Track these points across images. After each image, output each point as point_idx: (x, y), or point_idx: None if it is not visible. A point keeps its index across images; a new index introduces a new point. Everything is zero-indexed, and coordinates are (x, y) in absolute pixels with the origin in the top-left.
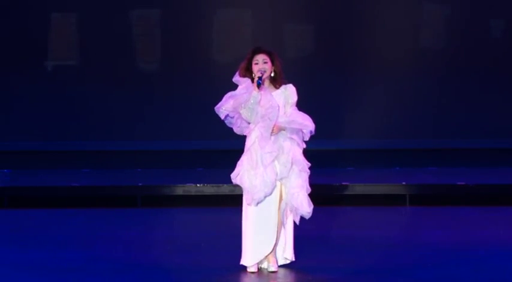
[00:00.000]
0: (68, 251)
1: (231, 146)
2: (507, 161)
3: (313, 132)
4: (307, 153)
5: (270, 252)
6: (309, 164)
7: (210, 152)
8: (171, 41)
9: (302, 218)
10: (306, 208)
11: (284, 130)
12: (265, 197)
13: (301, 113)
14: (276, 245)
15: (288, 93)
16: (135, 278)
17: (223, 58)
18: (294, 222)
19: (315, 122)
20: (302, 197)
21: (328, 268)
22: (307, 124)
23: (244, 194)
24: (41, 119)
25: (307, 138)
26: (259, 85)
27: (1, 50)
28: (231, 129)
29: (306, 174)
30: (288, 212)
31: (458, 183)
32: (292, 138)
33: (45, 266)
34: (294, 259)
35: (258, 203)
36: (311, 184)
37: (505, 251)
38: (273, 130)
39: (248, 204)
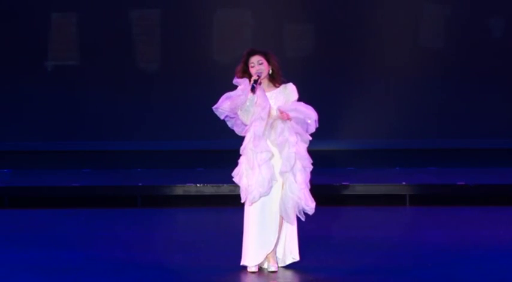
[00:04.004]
0: (68, 251)
1: (231, 146)
2: (507, 161)
3: (317, 124)
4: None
5: (271, 252)
6: (311, 161)
7: (210, 152)
8: (171, 41)
9: (302, 217)
10: (310, 204)
11: (290, 120)
12: (260, 196)
13: (302, 103)
14: (276, 244)
15: (288, 91)
16: (135, 278)
17: (223, 58)
18: (297, 221)
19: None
20: (306, 193)
21: (329, 268)
22: (309, 113)
23: (240, 192)
24: (41, 119)
25: (313, 129)
26: (253, 88)
27: (1, 50)
28: (231, 129)
29: (309, 170)
30: (292, 208)
31: (458, 183)
32: (297, 133)
33: (45, 266)
34: (298, 258)
35: (252, 202)
36: (311, 184)
37: (505, 251)
38: (281, 116)
39: (243, 203)
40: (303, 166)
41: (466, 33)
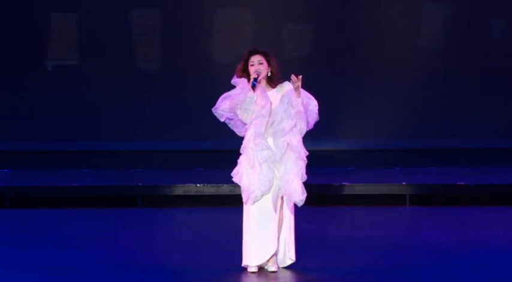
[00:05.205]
0: (68, 251)
1: (231, 146)
2: (507, 161)
3: (318, 117)
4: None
5: (275, 252)
6: (307, 153)
7: (210, 152)
8: (171, 41)
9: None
10: (299, 195)
11: (299, 96)
12: (261, 195)
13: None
14: (278, 244)
15: (285, 90)
16: (135, 278)
17: (223, 58)
18: (295, 222)
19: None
20: (296, 184)
21: (328, 268)
22: (310, 96)
23: (242, 192)
24: (41, 119)
25: (313, 120)
26: (253, 86)
27: (1, 50)
28: (231, 129)
29: (302, 162)
30: (280, 201)
31: (458, 183)
32: (299, 117)
33: (45, 266)
34: (295, 260)
35: (254, 202)
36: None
37: (505, 251)
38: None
39: (245, 203)
40: (296, 157)
41: (466, 33)
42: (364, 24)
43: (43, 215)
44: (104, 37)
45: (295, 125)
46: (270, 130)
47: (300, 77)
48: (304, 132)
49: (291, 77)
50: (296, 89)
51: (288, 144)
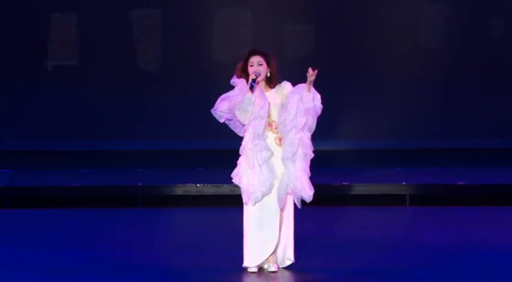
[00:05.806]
0: (68, 251)
1: (231, 146)
2: (507, 161)
3: (320, 111)
4: None
5: (273, 253)
6: (313, 148)
7: (210, 152)
8: (171, 41)
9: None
10: (307, 191)
11: (309, 91)
12: (262, 196)
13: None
14: (278, 244)
15: (284, 90)
16: (135, 278)
17: (223, 58)
18: (293, 224)
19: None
20: (305, 181)
21: (328, 268)
22: (315, 91)
23: (242, 193)
24: (41, 119)
25: (317, 114)
26: (251, 87)
27: (1, 50)
28: (231, 129)
29: (309, 157)
30: (285, 194)
31: (458, 183)
32: (308, 114)
33: (45, 266)
34: (293, 260)
35: (255, 203)
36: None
37: (505, 251)
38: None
39: (245, 204)
40: (304, 153)
41: (466, 33)
42: (364, 24)
43: (43, 215)
44: (104, 37)
45: (305, 122)
46: (281, 128)
47: (316, 71)
48: (313, 129)
49: (308, 70)
50: (310, 83)
51: (299, 141)
